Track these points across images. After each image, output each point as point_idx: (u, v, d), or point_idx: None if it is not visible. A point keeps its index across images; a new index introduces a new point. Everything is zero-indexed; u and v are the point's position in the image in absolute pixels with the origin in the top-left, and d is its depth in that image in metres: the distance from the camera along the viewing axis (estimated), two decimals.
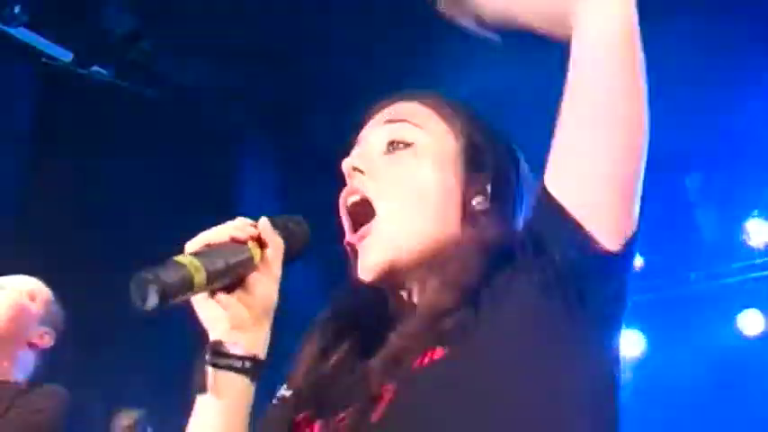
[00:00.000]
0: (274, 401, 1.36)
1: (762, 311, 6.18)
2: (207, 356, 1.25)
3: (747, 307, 6.19)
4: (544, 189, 1.20)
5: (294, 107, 5.13)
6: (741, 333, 6.16)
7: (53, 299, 2.91)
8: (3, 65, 4.39)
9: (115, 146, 4.69)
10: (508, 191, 1.37)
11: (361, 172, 1.37)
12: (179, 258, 1.19)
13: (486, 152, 1.39)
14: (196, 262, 1.19)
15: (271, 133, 5.49)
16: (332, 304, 1.42)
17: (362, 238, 1.35)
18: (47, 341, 2.84)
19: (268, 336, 1.28)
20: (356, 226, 1.36)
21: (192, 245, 1.25)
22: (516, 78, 4.38)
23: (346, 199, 1.38)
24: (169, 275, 1.16)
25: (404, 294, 1.36)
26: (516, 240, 1.25)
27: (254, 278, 1.26)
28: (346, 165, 1.38)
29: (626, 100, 1.19)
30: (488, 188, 1.36)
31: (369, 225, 1.35)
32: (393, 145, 1.39)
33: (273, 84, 4.97)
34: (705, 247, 6.09)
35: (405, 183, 1.36)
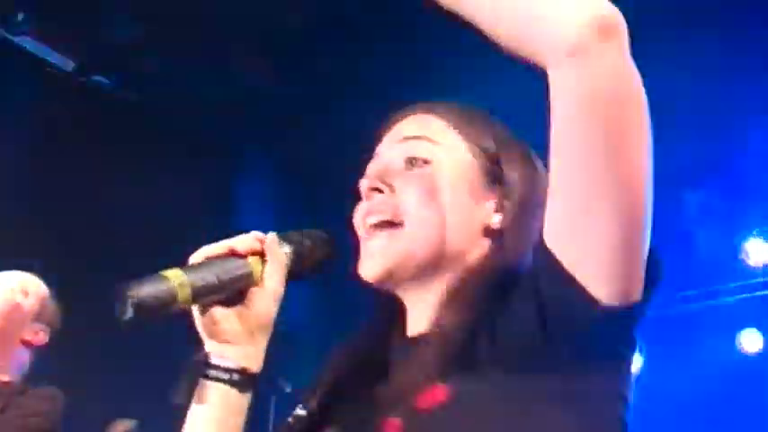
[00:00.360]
0: (290, 419, 1.36)
1: (760, 331, 6.17)
2: (195, 367, 1.26)
3: (745, 327, 6.19)
4: (543, 243, 1.16)
5: (293, 121, 5.13)
6: (740, 352, 6.15)
7: (48, 295, 2.86)
8: (5, 72, 4.40)
9: (114, 155, 4.69)
10: (527, 207, 1.33)
11: (381, 191, 1.36)
12: (167, 272, 1.19)
13: (504, 168, 1.36)
14: (183, 277, 1.19)
15: (269, 147, 5.49)
16: (359, 328, 1.42)
17: (375, 237, 1.34)
18: (41, 338, 2.80)
19: (263, 350, 1.28)
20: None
21: (194, 258, 1.25)
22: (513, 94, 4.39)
23: (365, 219, 1.36)
24: (149, 290, 1.16)
25: (413, 310, 1.35)
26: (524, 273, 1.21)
27: (252, 293, 1.26)
28: (364, 185, 1.37)
29: (622, 164, 1.09)
30: (507, 205, 1.33)
31: (387, 231, 1.33)
32: (411, 162, 1.37)
33: (273, 97, 4.97)
34: (704, 265, 6.09)
35: (424, 201, 1.33)
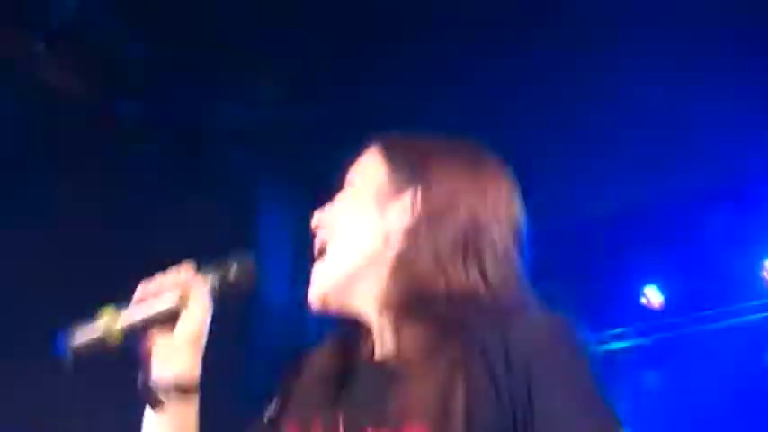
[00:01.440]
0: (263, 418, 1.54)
1: None
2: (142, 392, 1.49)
3: None
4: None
5: (312, 149, 5.11)
6: (764, 371, 6.07)
7: None
8: (18, 97, 4.40)
9: (132, 185, 4.69)
10: (437, 210, 1.41)
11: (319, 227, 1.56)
12: (102, 314, 1.48)
13: (421, 177, 1.44)
14: (114, 322, 1.47)
15: (288, 175, 5.47)
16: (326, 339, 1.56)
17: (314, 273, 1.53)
18: None
19: (198, 360, 1.51)
20: None
21: (134, 296, 1.52)
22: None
23: None
24: (82, 339, 1.45)
25: (373, 331, 1.48)
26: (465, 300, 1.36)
27: (181, 317, 1.49)
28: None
29: None
30: (415, 208, 1.42)
31: (316, 264, 1.52)
32: (342, 191, 1.55)
33: (292, 125, 4.97)
34: (724, 283, 6.02)
35: (336, 225, 1.51)
